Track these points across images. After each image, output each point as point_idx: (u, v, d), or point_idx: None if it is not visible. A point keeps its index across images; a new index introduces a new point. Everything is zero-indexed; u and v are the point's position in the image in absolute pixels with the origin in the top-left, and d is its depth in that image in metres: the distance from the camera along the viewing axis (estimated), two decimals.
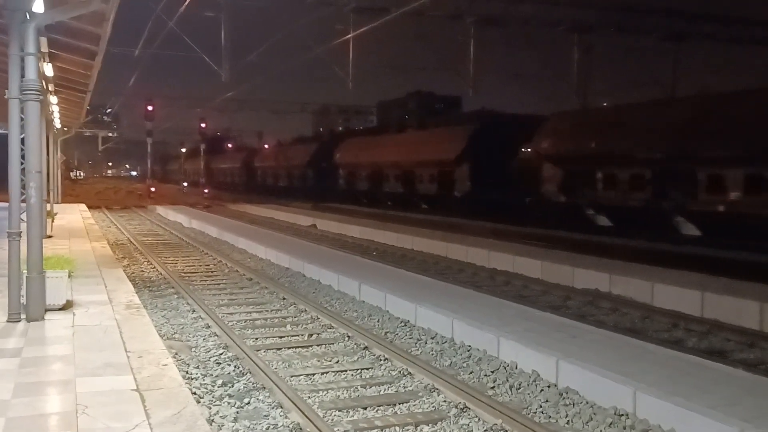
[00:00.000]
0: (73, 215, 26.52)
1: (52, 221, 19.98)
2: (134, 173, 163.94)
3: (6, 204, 8.30)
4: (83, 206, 33.21)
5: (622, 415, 6.09)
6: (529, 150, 28.36)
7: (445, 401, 6.69)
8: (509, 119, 34.29)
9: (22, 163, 8.16)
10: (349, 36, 27.29)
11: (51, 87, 16.48)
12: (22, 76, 8.10)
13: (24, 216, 8.11)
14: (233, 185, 72.00)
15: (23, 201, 8.16)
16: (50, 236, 17.56)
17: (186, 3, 21.72)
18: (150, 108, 47.36)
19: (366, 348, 8.63)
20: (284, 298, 11.91)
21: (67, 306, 8.76)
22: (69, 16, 8.66)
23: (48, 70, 13.18)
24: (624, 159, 22.14)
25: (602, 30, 32.51)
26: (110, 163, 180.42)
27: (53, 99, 19.41)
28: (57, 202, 29.77)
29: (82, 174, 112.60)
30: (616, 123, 23.16)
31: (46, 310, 8.29)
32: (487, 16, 30.64)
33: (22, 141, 8.14)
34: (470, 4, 29.89)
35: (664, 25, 32.67)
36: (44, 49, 11.00)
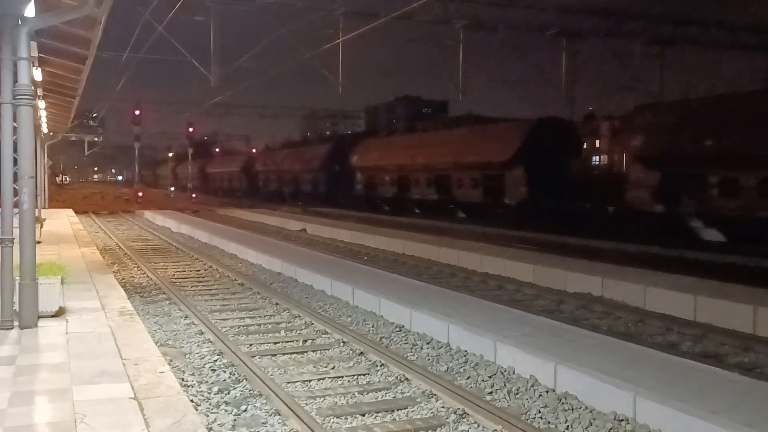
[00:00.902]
0: (60, 221, 26.29)
1: (41, 227, 19.78)
2: (120, 178, 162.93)
3: None
4: (70, 211, 32.93)
5: (622, 420, 6.09)
6: (598, 148, 26.92)
7: (443, 407, 6.67)
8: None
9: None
10: (338, 41, 27.28)
11: (39, 92, 16.35)
12: (14, 81, 8.02)
13: (15, 222, 8.02)
14: (230, 191, 68.81)
15: (15, 207, 8.06)
16: (39, 242, 17.35)
17: (175, 7, 21.62)
18: (137, 112, 47.11)
19: (362, 353, 8.60)
20: (277, 304, 11.85)
21: (59, 313, 8.67)
22: (61, 20, 8.59)
23: (37, 74, 13.04)
24: (748, 159, 18.16)
25: (590, 35, 32.70)
26: (96, 168, 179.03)
27: (41, 104, 19.25)
28: (44, 208, 29.51)
29: (67, 179, 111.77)
30: (734, 114, 19.37)
31: (39, 317, 8.19)
32: (475, 21, 30.73)
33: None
34: (459, 9, 29.98)
35: (651, 29, 32.94)
36: (34, 53, 10.90)
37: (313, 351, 8.86)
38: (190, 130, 57.62)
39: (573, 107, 35.63)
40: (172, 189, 73.64)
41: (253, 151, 74.30)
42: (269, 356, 8.58)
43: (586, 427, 6.11)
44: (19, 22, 7.95)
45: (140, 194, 49.63)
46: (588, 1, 32.37)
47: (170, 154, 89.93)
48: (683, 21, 33.45)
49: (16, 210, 8.06)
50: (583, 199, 24.91)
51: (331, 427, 6.22)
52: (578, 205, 24.94)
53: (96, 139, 65.12)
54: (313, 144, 58.16)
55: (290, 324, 10.42)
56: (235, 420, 6.30)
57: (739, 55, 36.33)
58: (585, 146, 27.43)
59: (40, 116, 22.40)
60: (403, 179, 37.37)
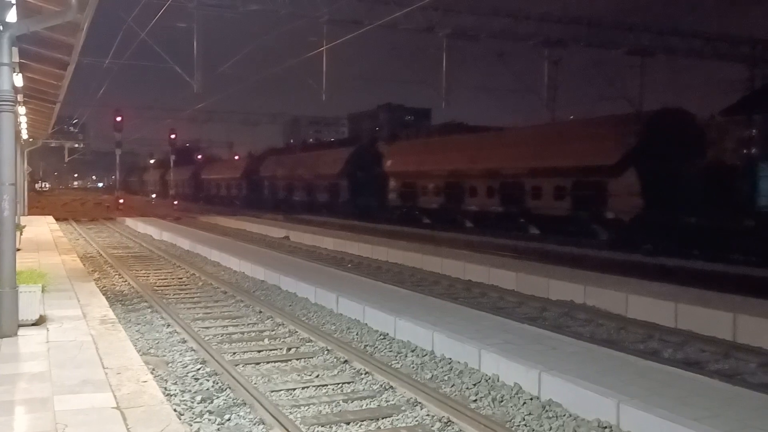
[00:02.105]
0: (40, 227, 25.97)
1: (21, 234, 19.53)
2: (101, 185, 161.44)
3: None
4: (50, 218, 32.55)
5: (606, 427, 6.13)
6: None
7: (428, 415, 6.67)
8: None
9: None
10: (322, 48, 27.33)
11: (20, 97, 16.19)
12: None
13: None
14: (228, 199, 63.57)
15: None
16: (18, 249, 17.13)
17: (158, 14, 21.54)
18: (119, 119, 46.73)
19: (346, 362, 8.58)
20: (261, 312, 11.79)
21: (40, 321, 8.55)
22: (44, 26, 8.53)
23: (18, 80, 12.93)
24: None
25: (571, 44, 33.07)
26: (76, 175, 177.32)
27: (21, 110, 19.07)
28: (24, 215, 29.15)
29: (47, 185, 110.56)
30: None
31: (19, 326, 8.07)
32: (459, 30, 30.96)
33: None
34: (442, 17, 30.17)
35: (631, 40, 33.37)
36: (15, 59, 10.80)
37: (297, 359, 8.82)
38: (173, 136, 57.23)
39: (554, 115, 36.06)
40: (154, 196, 73.09)
41: (255, 155, 68.37)
42: (253, 365, 8.53)
43: None
44: (1, 28, 7.87)
45: (121, 201, 49.19)
46: (569, 12, 32.69)
47: (151, 161, 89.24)
48: (663, 31, 33.95)
49: None
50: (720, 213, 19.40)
51: None
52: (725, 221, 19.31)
53: (76, 145, 64.55)
54: (332, 146, 52.62)
55: (274, 332, 10.37)
56: (218, 429, 6.26)
57: (719, 65, 36.83)
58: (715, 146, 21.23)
59: (20, 122, 22.16)
60: (454, 187, 31.06)
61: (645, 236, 21.03)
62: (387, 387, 7.54)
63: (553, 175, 25.11)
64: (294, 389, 7.53)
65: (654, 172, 21.50)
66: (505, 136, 31.06)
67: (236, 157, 73.70)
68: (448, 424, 6.40)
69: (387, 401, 7.16)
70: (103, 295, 11.65)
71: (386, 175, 37.38)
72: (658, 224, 21.09)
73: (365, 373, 8.07)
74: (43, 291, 9.43)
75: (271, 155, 60.54)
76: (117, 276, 16.18)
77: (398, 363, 8.67)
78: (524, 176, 26.73)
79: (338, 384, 7.72)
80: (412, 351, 9.07)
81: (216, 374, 7.94)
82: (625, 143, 22.53)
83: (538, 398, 7.00)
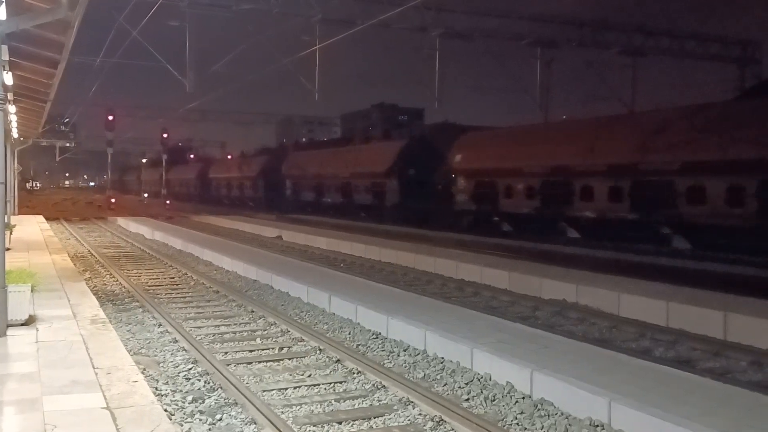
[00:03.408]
0: (31, 227, 25.82)
1: (11, 233, 19.41)
2: (92, 184, 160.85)
3: None
4: (41, 218, 32.36)
5: (598, 426, 6.13)
6: None
7: (420, 414, 6.66)
8: None
9: None
10: (315, 47, 27.28)
11: (10, 96, 16.07)
12: None
13: None
14: (240, 200, 57.15)
15: None
16: (8, 249, 17.03)
17: (150, 12, 21.44)
18: (110, 118, 46.54)
19: (338, 361, 8.56)
20: (253, 311, 11.75)
21: (29, 321, 8.49)
22: (34, 23, 8.47)
23: (8, 78, 12.82)
24: None
25: (564, 44, 33.15)
26: (68, 174, 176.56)
27: (12, 108, 18.94)
28: (14, 214, 28.98)
29: (38, 185, 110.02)
30: None
31: (8, 326, 8.01)
32: (452, 30, 30.98)
33: None
34: (435, 17, 30.19)
35: (623, 40, 33.49)
36: (5, 57, 10.72)
37: (290, 359, 8.80)
38: (165, 135, 57.04)
39: (547, 115, 36.13)
40: (146, 195, 72.73)
41: (275, 151, 61.17)
42: (245, 364, 8.50)
43: None
44: None
45: (113, 200, 48.98)
46: (562, 12, 32.79)
47: (144, 160, 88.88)
48: (655, 32, 34.09)
49: None
50: None
51: None
52: None
53: (68, 144, 64.31)
54: (376, 140, 44.77)
55: (266, 332, 10.34)
56: (209, 429, 6.23)
57: (709, 66, 37.01)
58: None
59: (11, 121, 22.02)
60: (553, 187, 24.55)
61: None
62: (379, 386, 7.53)
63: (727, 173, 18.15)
64: (286, 389, 7.51)
65: None
66: (648, 119, 22.46)
67: (234, 155, 69.29)
68: (440, 423, 6.39)
69: (379, 400, 7.14)
70: (94, 294, 11.59)
71: (453, 173, 30.62)
72: None
73: (357, 373, 8.05)
74: (32, 291, 9.37)
75: (296, 151, 54.39)
76: (108, 276, 16.10)
77: (391, 362, 8.66)
78: (675, 174, 19.80)
79: (330, 383, 7.69)
80: (405, 350, 9.06)
81: (207, 374, 7.90)
82: None
83: (530, 397, 7.00)
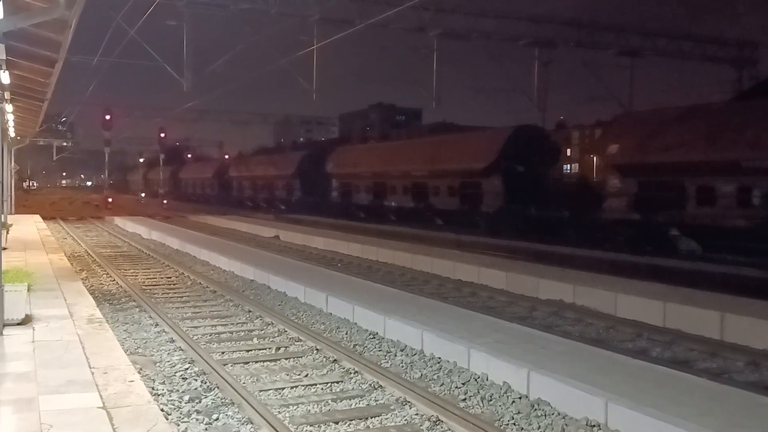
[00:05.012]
0: (27, 226, 25.77)
1: (7, 233, 19.39)
2: (89, 183, 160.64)
3: None
4: (38, 217, 32.31)
5: (594, 426, 6.14)
6: None
7: (417, 414, 6.66)
8: None
9: None
10: (313, 47, 27.28)
11: (7, 95, 16.03)
12: None
13: None
14: (269, 201, 50.37)
15: None
16: (5, 248, 17.01)
17: (147, 11, 21.40)
18: (108, 117, 46.42)
19: (335, 361, 8.56)
20: (250, 311, 11.74)
21: (26, 321, 8.48)
22: (31, 22, 8.45)
23: (5, 77, 12.79)
24: None
25: (562, 45, 33.17)
26: (65, 173, 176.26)
27: (8, 107, 18.90)
28: (11, 213, 28.93)
29: (35, 184, 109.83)
30: None
31: (5, 325, 7.99)
32: (450, 30, 30.98)
33: None
34: (433, 17, 30.18)
35: (621, 41, 33.54)
36: (2, 56, 10.70)
37: (286, 359, 8.79)
38: (162, 135, 56.96)
39: (545, 116, 36.15)
40: (143, 195, 72.58)
41: (317, 145, 54.99)
42: (241, 364, 8.49)
43: None
44: None
45: (110, 200, 48.93)
46: (560, 13, 32.79)
47: (141, 160, 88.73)
48: (652, 33, 34.14)
49: None
50: None
51: None
52: None
53: (65, 143, 64.11)
54: (464, 130, 35.99)
55: (263, 331, 10.33)
56: (206, 429, 6.22)
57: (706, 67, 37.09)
58: None
59: (8, 120, 21.99)
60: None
61: None
62: (376, 386, 7.52)
63: None
64: (283, 389, 7.50)
65: None
66: None
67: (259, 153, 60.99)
68: (437, 423, 6.39)
69: (376, 400, 7.14)
70: (91, 294, 11.57)
71: (606, 170, 23.96)
72: None
73: (354, 373, 8.05)
74: (29, 290, 9.37)
75: (345, 144, 47.32)
76: (105, 275, 16.08)
77: (387, 362, 8.66)
78: None
79: (327, 383, 7.69)
80: (402, 350, 9.06)
81: (204, 374, 7.89)
82: None
83: (527, 397, 7.00)
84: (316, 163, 44.63)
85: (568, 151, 23.56)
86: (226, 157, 69.84)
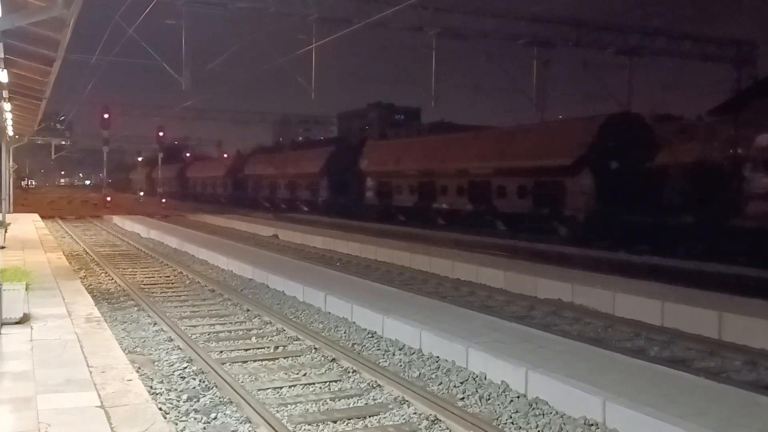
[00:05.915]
0: (26, 225, 25.75)
1: (5, 231, 19.38)
2: (88, 182, 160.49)
3: None
4: (36, 216, 32.28)
5: (592, 425, 6.14)
6: None
7: (415, 413, 6.66)
8: None
9: None
10: (311, 46, 27.29)
11: (5, 93, 16.04)
12: None
13: None
14: (291, 202, 45.89)
15: None
16: (3, 247, 17.00)
17: (146, 10, 21.39)
18: (106, 116, 46.39)
19: (334, 360, 8.55)
20: (248, 310, 11.74)
21: (24, 320, 8.47)
22: (29, 21, 8.43)
23: (3, 76, 12.80)
24: None
25: (560, 44, 33.21)
26: (63, 172, 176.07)
27: (7, 106, 18.89)
28: (9, 212, 28.89)
29: (33, 183, 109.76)
30: None
31: (3, 324, 7.99)
32: (448, 30, 31.00)
33: None
34: (432, 17, 30.20)
35: (620, 40, 33.57)
36: (0, 54, 10.70)
37: (285, 358, 8.79)
38: (161, 134, 56.90)
39: (543, 115, 36.18)
40: (141, 194, 72.47)
41: (365, 136, 48.86)
42: (240, 363, 8.49)
43: None
44: None
45: (109, 199, 48.89)
46: (559, 12, 32.82)
47: (139, 159, 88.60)
48: (651, 32, 34.17)
49: None
50: None
51: None
52: None
53: (63, 142, 64.08)
54: (553, 121, 31.76)
55: (261, 330, 10.32)
56: (204, 428, 6.21)
57: (704, 66, 37.11)
58: None
59: (6, 119, 21.97)
60: None
61: None
62: (374, 385, 7.52)
63: None
64: (281, 388, 7.50)
65: None
66: None
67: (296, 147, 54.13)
68: (435, 422, 6.39)
69: (374, 399, 7.14)
70: (89, 293, 11.57)
71: (740, 162, 19.17)
72: None
73: (353, 372, 8.05)
74: (27, 289, 9.36)
75: (382, 139, 41.30)
76: (103, 274, 16.06)
77: (386, 361, 8.66)
78: None
79: (325, 382, 7.69)
80: (400, 349, 9.06)
81: (203, 373, 7.89)
82: None
83: (525, 396, 7.01)
84: (346, 160, 39.73)
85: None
86: (239, 153, 65.04)
